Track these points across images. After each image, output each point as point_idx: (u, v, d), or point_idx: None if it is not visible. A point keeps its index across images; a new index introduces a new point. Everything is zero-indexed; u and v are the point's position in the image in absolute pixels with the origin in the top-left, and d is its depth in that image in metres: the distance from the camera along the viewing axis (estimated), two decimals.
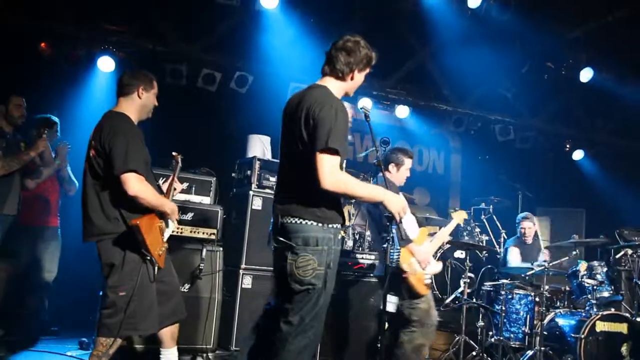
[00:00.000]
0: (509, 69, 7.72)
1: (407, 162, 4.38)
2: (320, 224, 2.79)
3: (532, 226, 6.20)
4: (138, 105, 3.32)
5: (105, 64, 6.26)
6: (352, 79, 2.97)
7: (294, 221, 2.79)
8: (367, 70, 3.04)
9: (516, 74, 7.80)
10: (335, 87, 2.94)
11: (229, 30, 6.75)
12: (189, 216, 4.47)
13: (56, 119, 4.95)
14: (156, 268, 3.20)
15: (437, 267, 4.47)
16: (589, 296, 5.23)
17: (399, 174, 4.38)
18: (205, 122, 6.84)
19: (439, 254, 6.23)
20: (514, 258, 6.03)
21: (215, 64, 6.75)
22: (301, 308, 2.78)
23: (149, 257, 3.09)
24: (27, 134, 4.77)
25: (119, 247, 3.08)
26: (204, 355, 4.44)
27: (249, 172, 5.22)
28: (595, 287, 5.19)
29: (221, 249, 4.63)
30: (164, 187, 3.59)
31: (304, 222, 2.78)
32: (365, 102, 7.13)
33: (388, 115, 8.26)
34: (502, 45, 7.21)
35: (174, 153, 3.86)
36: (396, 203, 2.93)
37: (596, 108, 8.51)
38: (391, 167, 4.35)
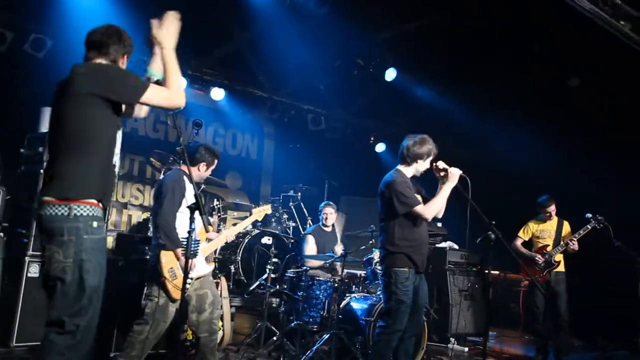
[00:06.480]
0: (323, 62, 8.01)
1: (215, 164, 4.32)
2: None
3: (333, 212, 6.52)
4: None
5: None
6: None
7: None
8: None
9: (329, 67, 8.13)
10: None
11: None
12: None
13: None
14: None
15: (205, 269, 4.16)
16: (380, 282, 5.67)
17: (205, 174, 4.31)
18: None
19: (217, 253, 5.97)
20: (309, 248, 6.29)
21: (6, 22, 5.94)
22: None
23: None
24: None
25: None
26: None
27: (40, 149, 4.72)
28: None
29: (2, 234, 4.11)
30: None
31: None
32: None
33: (203, 96, 8.06)
34: (317, 38, 7.43)
35: None
36: None
37: (397, 105, 9.24)
38: (201, 166, 4.22)
